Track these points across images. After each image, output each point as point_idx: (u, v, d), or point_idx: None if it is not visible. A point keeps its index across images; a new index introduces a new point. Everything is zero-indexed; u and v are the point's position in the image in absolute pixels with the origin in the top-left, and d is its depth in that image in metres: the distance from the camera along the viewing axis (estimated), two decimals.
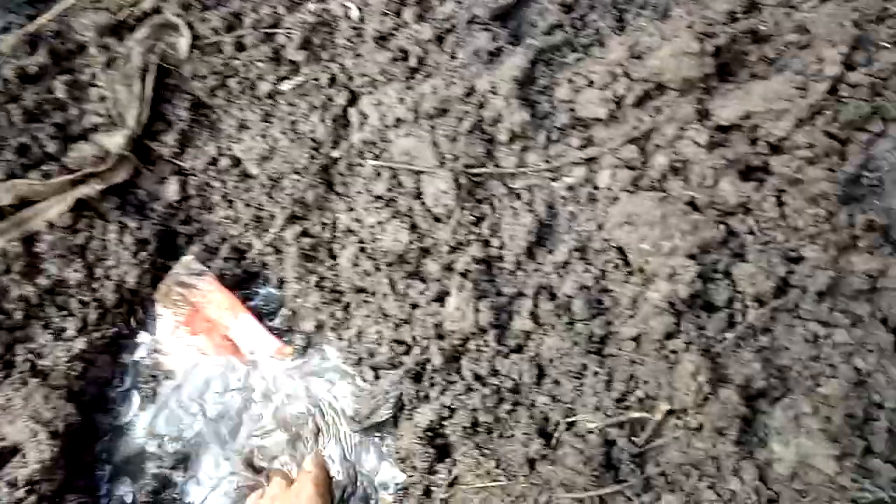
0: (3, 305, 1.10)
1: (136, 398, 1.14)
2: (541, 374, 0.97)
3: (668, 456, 0.93)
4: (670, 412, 0.94)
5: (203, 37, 1.27)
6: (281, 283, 1.21)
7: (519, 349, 0.99)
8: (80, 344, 1.09)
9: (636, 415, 0.94)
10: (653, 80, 1.07)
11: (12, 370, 1.07)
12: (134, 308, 1.18)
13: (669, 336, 0.97)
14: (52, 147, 1.18)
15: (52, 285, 1.13)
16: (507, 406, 0.95)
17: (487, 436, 0.94)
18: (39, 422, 0.98)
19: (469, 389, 0.96)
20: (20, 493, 0.93)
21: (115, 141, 1.21)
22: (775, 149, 1.07)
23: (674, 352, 0.97)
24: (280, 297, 1.21)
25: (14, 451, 0.98)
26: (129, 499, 1.07)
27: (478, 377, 0.97)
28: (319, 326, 1.16)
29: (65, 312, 1.13)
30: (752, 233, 1.05)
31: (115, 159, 1.20)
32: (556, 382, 0.96)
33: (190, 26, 1.27)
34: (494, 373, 0.97)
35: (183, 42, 1.26)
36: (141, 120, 1.22)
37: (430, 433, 0.97)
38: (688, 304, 0.99)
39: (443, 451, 0.99)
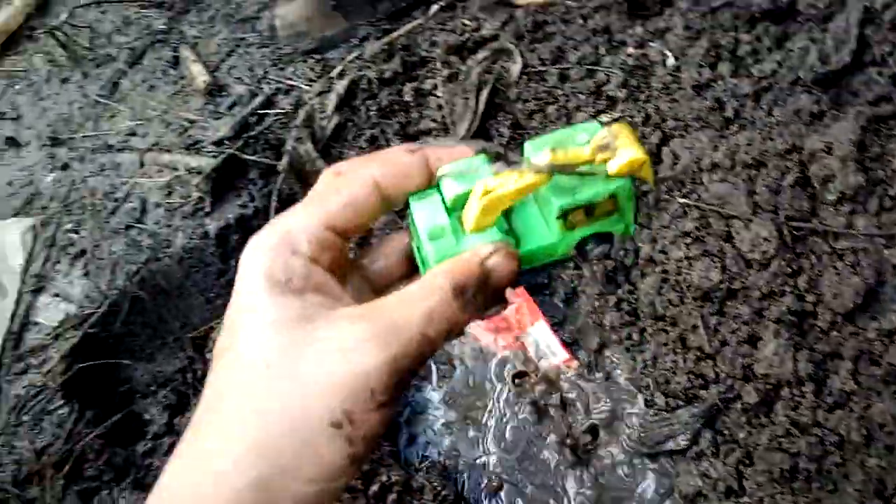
0: None
1: (434, 374, 1.26)
2: (869, 437, 0.95)
3: None
4: None
5: (531, 65, 1.41)
6: (568, 298, 1.29)
7: (840, 406, 0.98)
8: None
9: None
10: None
11: None
12: None
13: None
14: (395, 141, 1.37)
15: None
16: (834, 459, 0.94)
17: (806, 484, 0.94)
18: None
19: (788, 434, 0.97)
20: None
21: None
22: None
23: None
24: (563, 310, 1.29)
25: None
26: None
27: (796, 424, 0.97)
28: (604, 345, 1.22)
29: None
30: None
31: None
32: (889, 449, 0.94)
33: (521, 54, 1.42)
34: (816, 424, 0.97)
35: (515, 67, 1.40)
36: (470, 130, 1.37)
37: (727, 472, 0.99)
38: None
39: (729, 491, 1.00)
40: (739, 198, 1.16)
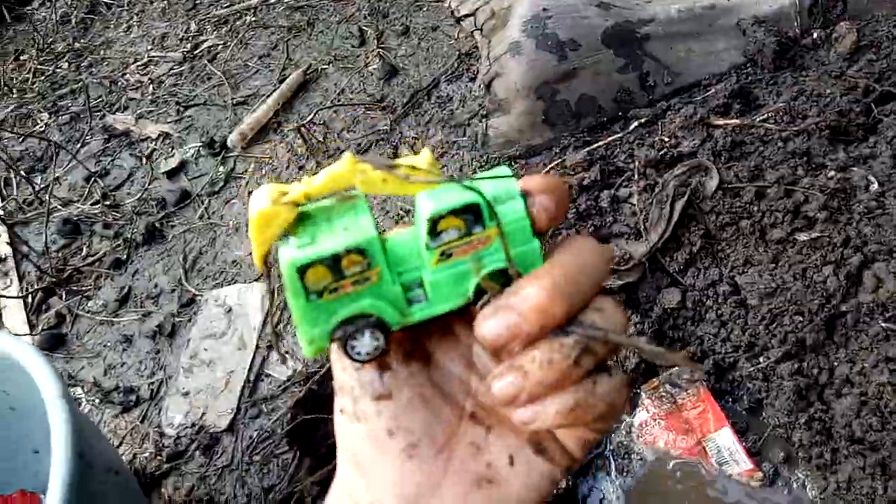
0: None
1: (612, 466, 1.36)
2: None
3: None
4: None
5: (727, 181, 1.53)
6: (751, 407, 1.34)
7: None
8: None
9: None
10: None
11: None
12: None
13: None
14: None
15: None
16: None
17: None
18: None
19: None
20: None
21: (639, 250, 1.50)
22: None
23: None
24: (746, 418, 1.34)
25: None
26: None
27: None
28: (790, 460, 1.25)
29: None
30: None
31: (633, 263, 1.49)
32: None
33: (718, 171, 1.54)
34: None
35: (712, 183, 1.52)
36: (663, 237, 1.50)
37: None
38: None
39: None
40: None
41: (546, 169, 1.66)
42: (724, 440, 1.29)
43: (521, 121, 1.72)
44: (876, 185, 1.45)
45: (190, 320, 1.62)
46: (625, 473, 1.35)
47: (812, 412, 1.24)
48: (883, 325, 1.25)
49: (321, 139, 2.00)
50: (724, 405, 1.37)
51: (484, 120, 1.76)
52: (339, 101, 2.10)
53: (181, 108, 2.22)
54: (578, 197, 1.57)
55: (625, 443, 1.38)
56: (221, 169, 1.99)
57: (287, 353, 1.54)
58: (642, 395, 1.40)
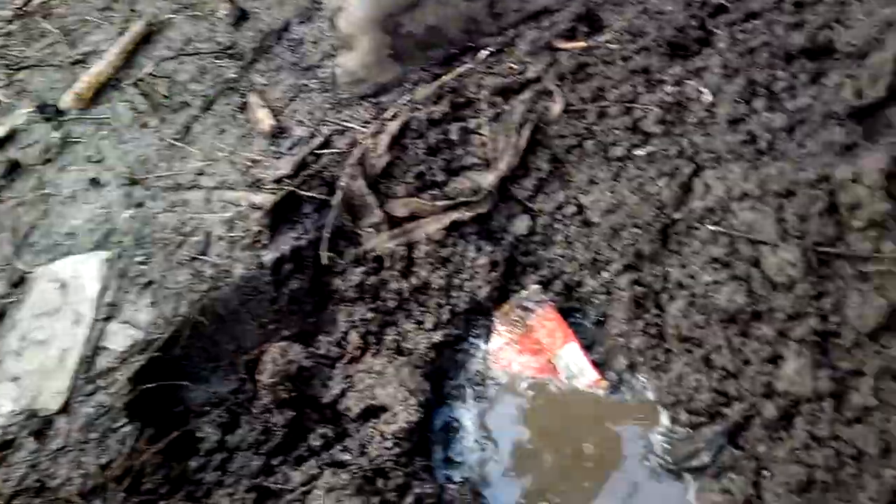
0: (381, 294, 1.43)
1: (469, 394, 1.37)
2: (887, 450, 1.00)
3: None
4: None
5: (572, 104, 1.54)
6: (599, 321, 1.38)
7: (860, 421, 1.03)
8: (438, 336, 1.37)
9: None
10: None
11: (381, 346, 1.38)
12: (478, 317, 1.44)
13: None
14: (440, 177, 1.52)
15: (420, 285, 1.43)
16: (850, 471, 0.99)
17: (822, 495, 0.99)
18: (409, 390, 1.25)
19: (807, 447, 1.02)
20: (388, 443, 1.20)
21: (487, 179, 1.50)
22: None
23: None
24: (594, 332, 1.38)
25: (383, 409, 1.26)
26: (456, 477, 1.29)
27: (815, 438, 1.03)
28: (633, 366, 1.30)
29: (425, 309, 1.43)
30: None
31: (484, 194, 1.49)
32: None
33: (563, 95, 1.55)
34: (834, 437, 1.02)
35: (556, 107, 1.54)
36: (511, 164, 1.50)
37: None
38: None
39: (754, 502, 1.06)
40: (768, 225, 1.24)
41: (396, 106, 1.63)
42: (572, 355, 1.33)
43: (368, 57, 1.67)
44: (708, 96, 1.49)
45: (20, 300, 1.53)
46: (480, 399, 1.36)
47: (648, 318, 1.29)
48: (710, 227, 1.30)
49: (165, 93, 1.89)
50: (572, 323, 1.41)
51: (333, 59, 1.70)
52: (184, 51, 1.98)
53: (11, 71, 2.06)
54: (428, 132, 1.55)
55: (481, 370, 1.40)
56: (56, 135, 1.85)
57: (126, 322, 1.47)
58: (495, 322, 1.42)
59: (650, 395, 1.26)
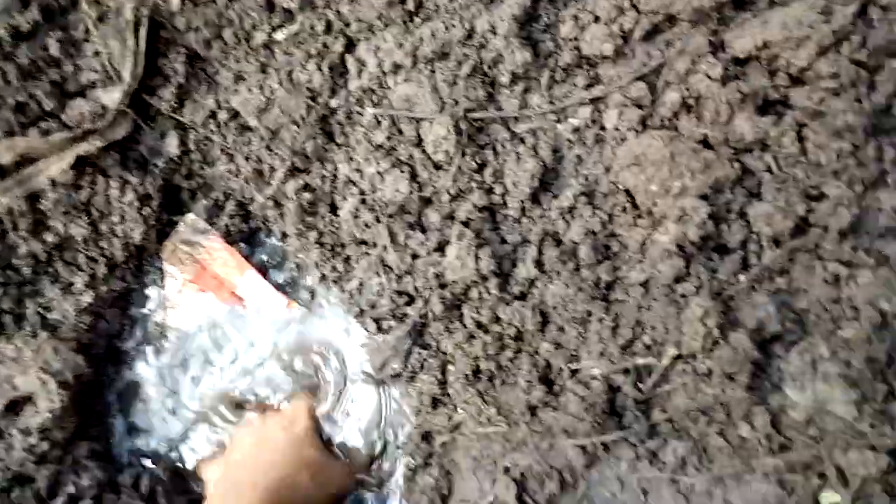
0: (12, 262, 1.16)
1: (148, 351, 1.20)
2: (545, 322, 0.99)
3: (676, 402, 0.95)
4: (678, 358, 0.96)
5: None
6: (284, 236, 1.24)
7: (522, 296, 1.01)
8: (87, 298, 1.16)
9: (642, 361, 0.95)
10: (662, 12, 1.05)
11: (23, 323, 1.14)
12: (142, 263, 1.23)
13: (679, 280, 0.98)
14: (49, 104, 1.22)
15: (59, 241, 1.18)
16: (509, 353, 0.97)
17: (489, 383, 0.97)
18: (49, 372, 1.05)
19: (471, 337, 0.99)
20: (33, 439, 1.01)
21: (112, 96, 1.24)
22: (796, 80, 1.05)
23: (683, 296, 0.98)
24: (284, 250, 1.25)
25: (28, 400, 1.05)
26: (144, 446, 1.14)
27: (479, 325, 0.99)
28: (323, 279, 1.19)
29: (73, 267, 1.19)
30: (769, 170, 1.04)
31: (113, 115, 1.23)
32: (561, 330, 0.98)
33: None
34: (496, 320, 0.99)
35: None
36: (136, 74, 1.25)
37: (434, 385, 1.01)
38: (698, 247, 0.99)
39: (436, 402, 1.03)
40: (425, 97, 1.13)
41: None
42: (252, 283, 1.19)
43: None
44: None
45: None
46: (161, 354, 1.20)
47: (322, 227, 1.17)
48: (371, 111, 1.17)
49: None
50: (258, 244, 1.26)
51: None
52: None
53: None
54: (17, 49, 1.23)
55: (159, 321, 1.22)
56: None
57: None
58: (163, 265, 1.23)
59: (338, 309, 1.17)
